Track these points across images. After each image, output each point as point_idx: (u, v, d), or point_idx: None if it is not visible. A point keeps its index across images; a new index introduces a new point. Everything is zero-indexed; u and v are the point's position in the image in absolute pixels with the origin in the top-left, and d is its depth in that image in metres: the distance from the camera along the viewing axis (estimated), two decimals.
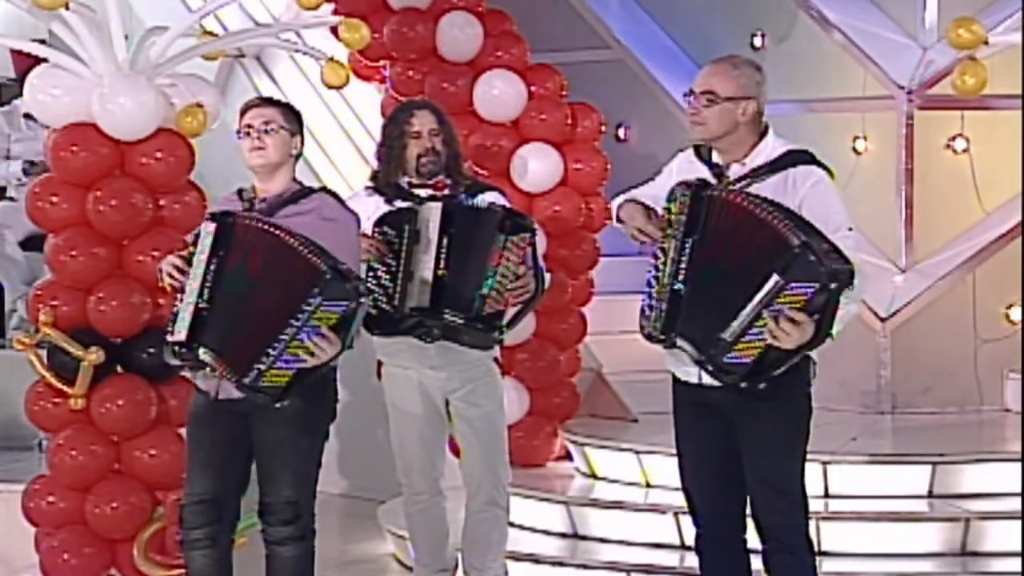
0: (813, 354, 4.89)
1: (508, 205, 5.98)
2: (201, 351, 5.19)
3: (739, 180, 4.93)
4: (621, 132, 9.27)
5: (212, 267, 5.19)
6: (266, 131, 5.37)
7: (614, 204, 5.28)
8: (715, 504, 5.11)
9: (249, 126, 5.40)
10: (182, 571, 5.87)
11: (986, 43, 5.75)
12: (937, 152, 8.26)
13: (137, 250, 6.20)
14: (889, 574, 6.35)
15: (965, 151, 8.27)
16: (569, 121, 7.73)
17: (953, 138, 8.25)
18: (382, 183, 5.98)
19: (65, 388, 6.15)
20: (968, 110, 8.08)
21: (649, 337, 5.04)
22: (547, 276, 5.97)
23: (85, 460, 6.19)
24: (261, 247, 5.17)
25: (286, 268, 5.11)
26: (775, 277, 4.62)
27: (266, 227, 5.18)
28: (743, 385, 4.78)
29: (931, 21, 8.34)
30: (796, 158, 4.97)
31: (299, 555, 5.45)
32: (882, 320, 8.07)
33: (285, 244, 5.11)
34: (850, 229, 4.84)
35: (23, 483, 6.44)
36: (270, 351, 5.08)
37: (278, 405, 5.19)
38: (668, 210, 4.93)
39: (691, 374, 5.02)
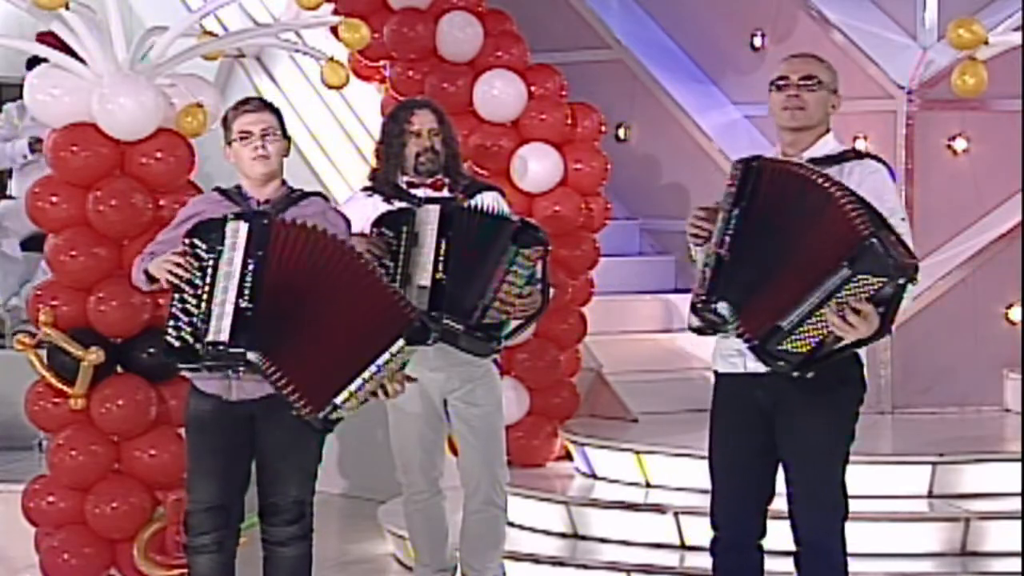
0: (861, 355, 4.86)
1: (508, 209, 5.96)
2: (250, 355, 5.05)
3: None
4: (621, 132, 9.27)
5: (250, 267, 5.08)
6: (268, 137, 5.33)
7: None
8: (740, 507, 5.04)
9: (248, 132, 5.32)
10: (182, 571, 5.88)
11: (986, 43, 5.75)
12: (937, 152, 8.26)
13: (137, 250, 6.15)
14: (889, 574, 6.35)
15: (965, 151, 8.27)
16: (569, 121, 7.72)
17: (953, 138, 8.26)
18: (381, 181, 5.98)
19: (65, 388, 6.15)
20: (968, 110, 8.09)
21: (694, 328, 4.92)
22: (551, 291, 5.94)
23: (85, 460, 6.19)
24: (319, 255, 5.09)
25: (355, 288, 5.05)
26: (844, 270, 4.54)
27: (314, 231, 5.10)
28: (794, 375, 4.69)
29: (931, 21, 8.34)
30: (856, 153, 5.00)
31: (301, 555, 5.45)
32: None
33: (354, 260, 5.09)
34: (903, 220, 4.80)
35: (23, 483, 6.44)
36: (350, 387, 5.01)
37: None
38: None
39: (736, 364, 4.96)
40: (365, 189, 6.04)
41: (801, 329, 4.64)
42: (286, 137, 5.42)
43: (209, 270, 5.13)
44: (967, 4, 7.74)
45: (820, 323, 4.61)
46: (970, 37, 5.72)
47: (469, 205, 5.83)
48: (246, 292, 5.07)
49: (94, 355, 6.06)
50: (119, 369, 6.22)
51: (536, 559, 6.71)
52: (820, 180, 4.68)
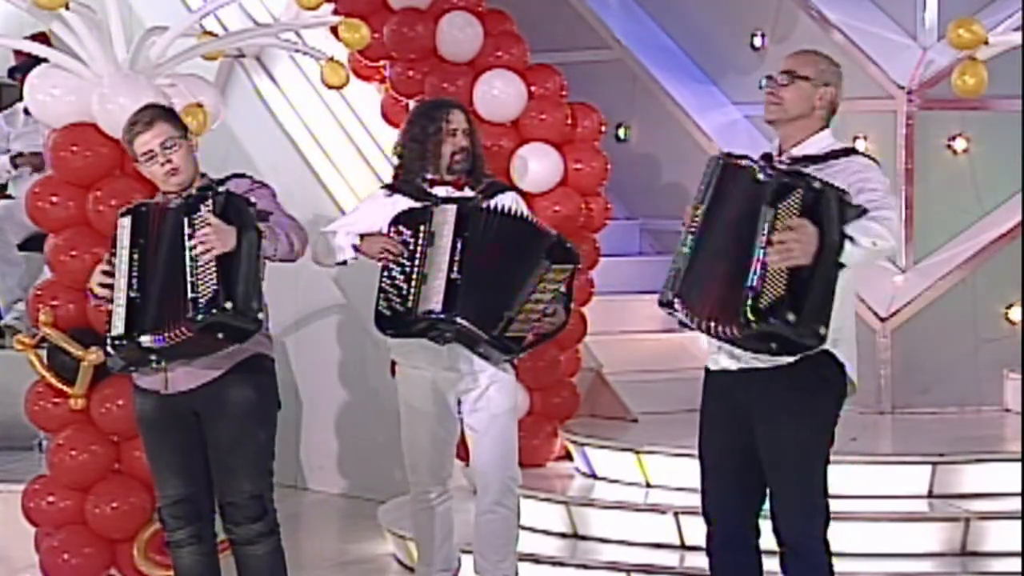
0: (839, 355, 4.85)
1: (527, 212, 5.96)
2: (143, 339, 5.18)
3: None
4: (621, 132, 9.26)
5: (135, 258, 5.21)
6: (171, 148, 5.31)
7: None
8: (731, 503, 5.06)
9: (150, 151, 5.32)
10: None
11: (986, 43, 5.75)
12: (937, 152, 8.26)
13: None
14: (889, 574, 6.35)
15: (965, 151, 8.27)
16: (569, 121, 7.72)
17: (953, 138, 8.25)
18: (405, 180, 5.94)
19: (65, 388, 6.15)
20: (968, 110, 8.08)
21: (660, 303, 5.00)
22: (571, 307, 5.95)
23: (85, 460, 6.20)
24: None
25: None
26: (764, 208, 4.63)
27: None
28: (773, 348, 4.71)
29: (931, 21, 8.34)
30: (846, 151, 4.98)
31: (271, 551, 5.45)
32: (882, 320, 8.07)
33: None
34: (890, 209, 4.77)
35: (23, 483, 6.45)
36: None
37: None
38: None
39: (717, 361, 5.00)
40: (385, 188, 6.02)
41: (765, 294, 4.71)
42: (186, 132, 5.41)
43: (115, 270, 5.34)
44: (967, 4, 7.74)
45: (766, 266, 4.71)
46: (970, 37, 5.72)
47: (488, 206, 5.82)
48: (134, 282, 5.22)
49: (94, 355, 6.06)
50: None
51: (536, 559, 6.71)
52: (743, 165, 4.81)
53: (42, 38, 6.78)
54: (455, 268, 5.67)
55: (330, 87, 7.02)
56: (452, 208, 5.75)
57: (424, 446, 6.02)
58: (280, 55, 9.26)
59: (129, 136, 5.37)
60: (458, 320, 5.67)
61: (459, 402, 5.97)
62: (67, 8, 6.09)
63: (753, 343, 4.74)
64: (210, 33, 6.96)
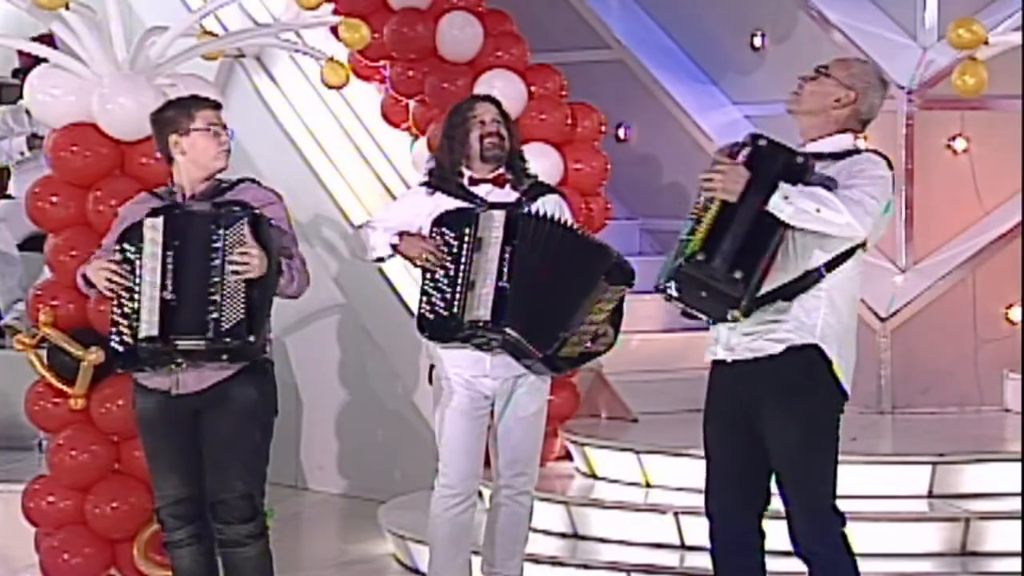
0: (833, 357, 4.85)
1: (569, 214, 5.92)
2: (180, 342, 5.19)
3: None
4: (621, 132, 9.26)
5: (168, 259, 5.20)
6: (224, 131, 5.39)
7: None
8: (732, 502, 5.03)
9: (215, 124, 5.38)
10: None
11: (986, 43, 5.76)
12: (937, 152, 8.26)
13: None
14: (889, 574, 6.35)
15: (965, 151, 8.27)
16: (569, 121, 7.72)
17: (953, 138, 8.25)
18: (443, 177, 5.86)
19: (65, 388, 6.15)
20: (968, 110, 8.09)
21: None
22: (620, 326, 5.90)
23: (85, 460, 6.20)
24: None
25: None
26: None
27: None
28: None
29: (931, 21, 8.34)
30: (859, 150, 4.98)
31: (260, 554, 5.44)
32: (882, 320, 8.07)
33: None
34: (862, 188, 4.83)
35: (23, 483, 6.45)
36: None
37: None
38: None
39: (713, 352, 5.00)
40: (424, 185, 5.93)
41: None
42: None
43: (137, 270, 5.25)
44: (967, 4, 7.74)
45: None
46: (970, 37, 5.73)
47: (536, 212, 5.75)
48: (168, 284, 5.20)
49: (94, 355, 6.06)
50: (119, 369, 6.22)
51: (536, 559, 6.70)
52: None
53: (47, 39, 6.78)
54: (504, 276, 5.60)
55: (330, 87, 7.03)
56: (501, 214, 5.67)
57: (456, 448, 5.88)
58: (280, 55, 9.27)
59: (195, 106, 5.38)
60: (507, 330, 5.61)
61: (494, 402, 5.90)
62: (67, 8, 6.09)
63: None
64: (210, 33, 6.97)
